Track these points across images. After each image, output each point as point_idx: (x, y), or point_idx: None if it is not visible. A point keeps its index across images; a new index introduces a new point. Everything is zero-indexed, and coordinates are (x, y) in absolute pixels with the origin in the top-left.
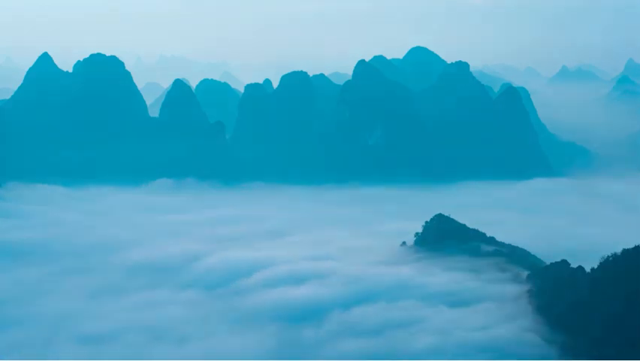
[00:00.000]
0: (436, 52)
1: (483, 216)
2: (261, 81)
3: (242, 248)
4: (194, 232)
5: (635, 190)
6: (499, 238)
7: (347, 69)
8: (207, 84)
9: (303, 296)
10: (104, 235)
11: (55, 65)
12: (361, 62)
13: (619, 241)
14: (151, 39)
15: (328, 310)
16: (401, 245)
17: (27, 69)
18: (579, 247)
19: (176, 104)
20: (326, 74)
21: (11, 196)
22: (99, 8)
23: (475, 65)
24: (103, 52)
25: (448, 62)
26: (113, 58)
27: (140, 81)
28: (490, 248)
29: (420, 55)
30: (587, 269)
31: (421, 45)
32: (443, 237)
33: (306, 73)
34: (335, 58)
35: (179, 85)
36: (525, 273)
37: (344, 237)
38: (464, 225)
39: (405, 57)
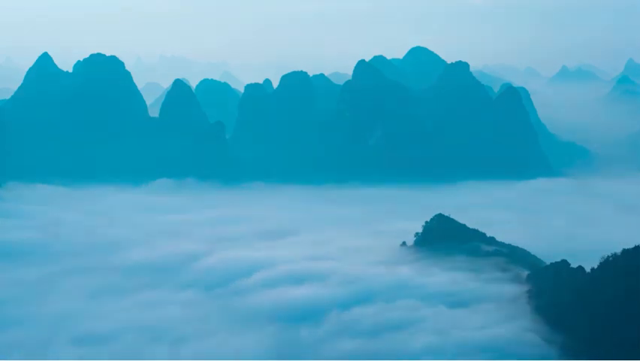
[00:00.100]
0: (436, 52)
1: (483, 216)
2: (261, 81)
3: (242, 248)
4: (194, 232)
5: (635, 190)
6: (499, 238)
7: (347, 69)
8: (207, 84)
9: (303, 296)
10: (104, 235)
11: (55, 65)
12: (361, 62)
13: (619, 241)
14: (151, 39)
15: (328, 310)
16: (401, 245)
17: (27, 69)
18: (579, 247)
19: (176, 104)
20: (326, 74)
21: (11, 196)
22: (99, 8)
23: (475, 65)
24: (103, 52)
25: (448, 62)
26: (113, 58)
27: (140, 81)
28: (490, 248)
29: (420, 55)
30: (587, 269)
31: (421, 45)
32: (443, 237)
33: (306, 73)
34: (335, 58)
35: (179, 85)
36: (525, 273)
37: (344, 237)
38: (464, 225)
39: (405, 57)
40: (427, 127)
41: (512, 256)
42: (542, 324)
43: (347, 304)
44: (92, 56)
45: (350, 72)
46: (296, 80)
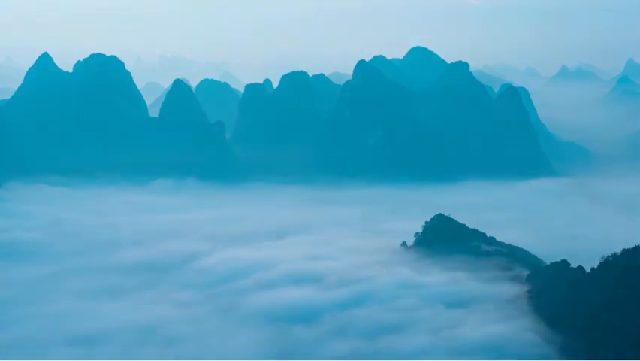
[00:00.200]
0: (436, 52)
1: (483, 216)
2: (261, 81)
3: (241, 248)
4: (194, 232)
5: (635, 190)
6: (499, 238)
7: (347, 69)
8: (207, 84)
9: (302, 296)
10: (104, 235)
11: (55, 65)
12: (361, 62)
13: (619, 241)
14: (151, 39)
15: (327, 310)
16: (401, 245)
17: (27, 69)
18: (579, 247)
19: (176, 104)
20: (326, 74)
21: (11, 196)
22: (99, 8)
23: (475, 65)
24: (103, 52)
25: (448, 62)
26: (113, 58)
27: (140, 81)
28: (490, 248)
29: (420, 55)
30: (587, 269)
31: (421, 45)
32: (443, 237)
33: (306, 73)
34: (335, 58)
35: (179, 85)
36: (525, 273)
37: (344, 237)
38: (464, 225)
39: (405, 57)
40: (427, 127)
41: (512, 256)
42: (542, 324)
43: (347, 304)
44: (92, 56)
45: (350, 72)
46: (296, 80)
